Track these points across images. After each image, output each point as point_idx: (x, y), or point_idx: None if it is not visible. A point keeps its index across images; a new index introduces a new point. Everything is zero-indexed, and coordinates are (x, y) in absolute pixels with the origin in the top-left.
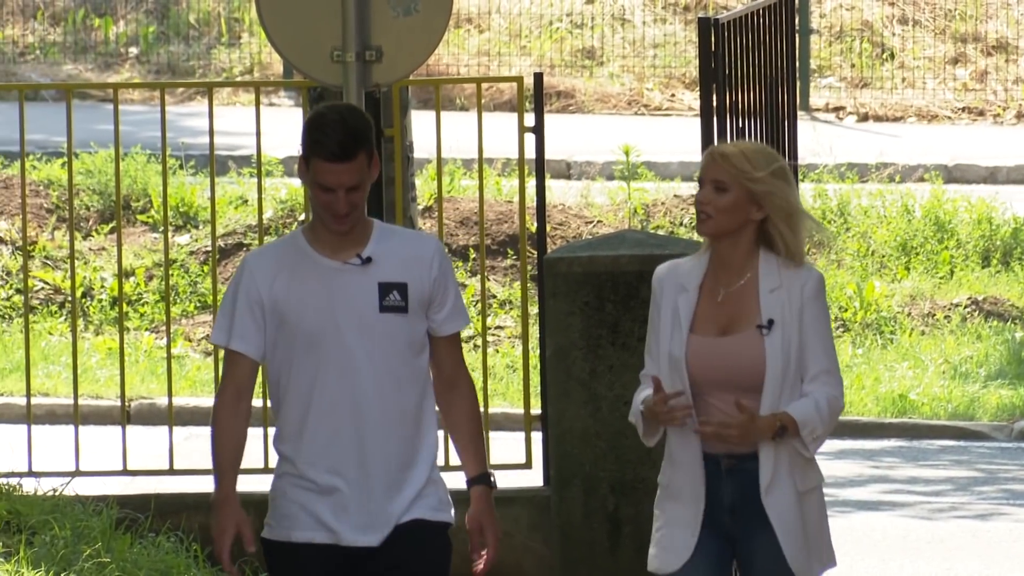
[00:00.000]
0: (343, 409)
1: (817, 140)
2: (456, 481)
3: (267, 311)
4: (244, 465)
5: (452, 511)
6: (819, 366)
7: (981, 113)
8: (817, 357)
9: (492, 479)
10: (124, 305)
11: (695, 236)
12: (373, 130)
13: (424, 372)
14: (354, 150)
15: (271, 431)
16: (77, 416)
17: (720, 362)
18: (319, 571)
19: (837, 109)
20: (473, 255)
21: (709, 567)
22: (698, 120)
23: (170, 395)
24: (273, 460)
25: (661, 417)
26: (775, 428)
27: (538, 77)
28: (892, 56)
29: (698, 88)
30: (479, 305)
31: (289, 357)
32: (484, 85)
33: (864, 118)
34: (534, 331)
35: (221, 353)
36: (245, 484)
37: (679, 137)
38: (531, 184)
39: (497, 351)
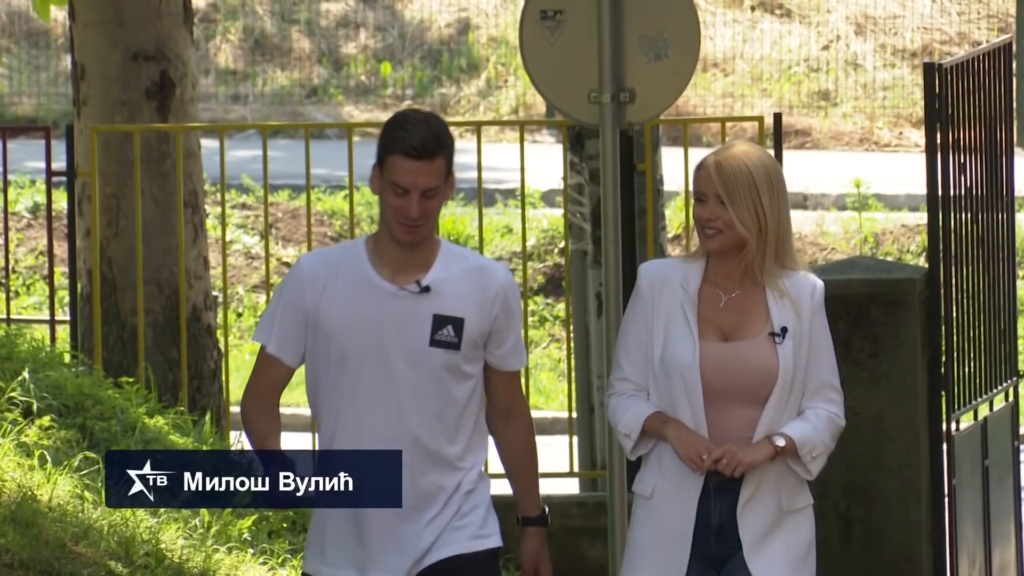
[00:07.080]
0: (382, 436)
1: None
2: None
3: (310, 322)
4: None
5: (497, 531)
6: (822, 380)
7: None
8: (821, 371)
9: (547, 516)
10: None
11: (922, 262)
12: (454, 144)
13: (474, 407)
14: (436, 150)
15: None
16: None
17: (730, 368)
18: None
19: None
20: None
21: None
22: (923, 156)
23: None
24: None
25: (697, 466)
26: (772, 450)
27: (777, 117)
28: None
29: (923, 127)
30: None
31: (328, 374)
32: (728, 124)
33: None
34: None
35: None
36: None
37: (906, 171)
38: None
39: None
